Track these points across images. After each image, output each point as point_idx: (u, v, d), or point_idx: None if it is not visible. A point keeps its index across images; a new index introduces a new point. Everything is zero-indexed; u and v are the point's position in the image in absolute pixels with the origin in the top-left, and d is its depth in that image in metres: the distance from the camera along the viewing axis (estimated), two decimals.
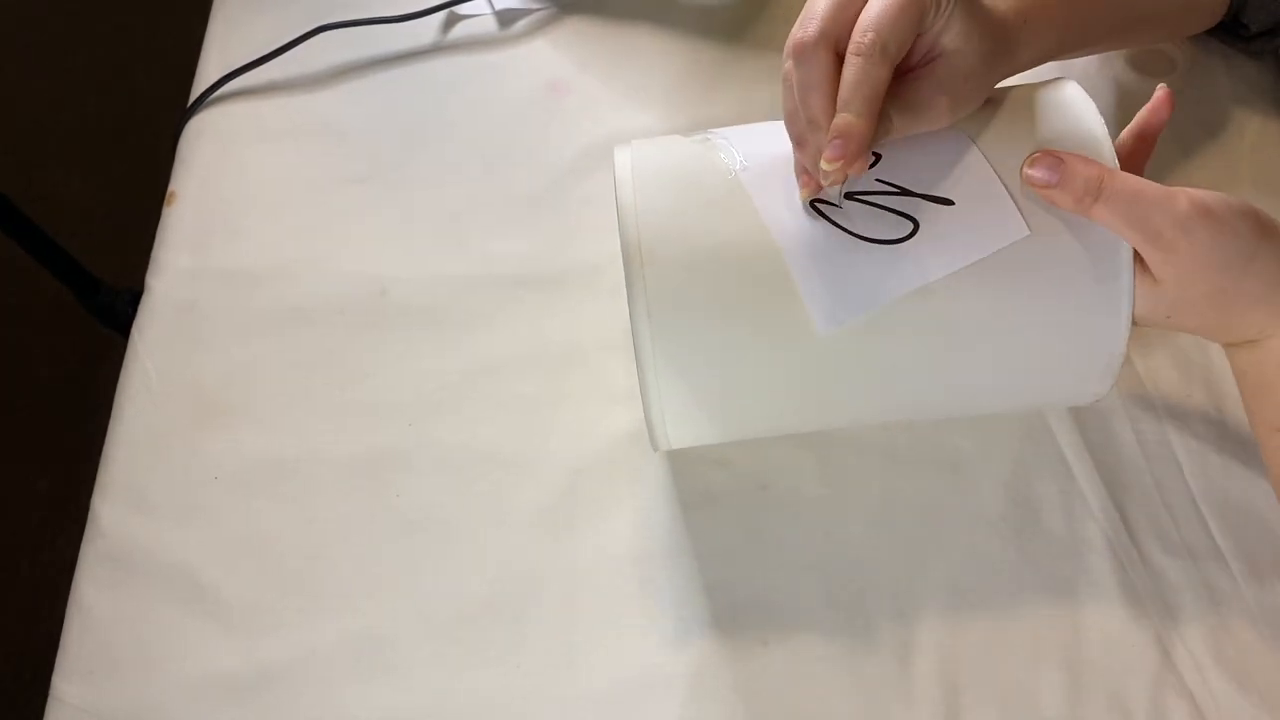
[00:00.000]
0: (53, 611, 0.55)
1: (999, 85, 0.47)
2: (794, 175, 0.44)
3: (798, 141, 0.43)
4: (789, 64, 0.42)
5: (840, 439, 0.56)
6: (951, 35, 0.42)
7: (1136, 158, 0.48)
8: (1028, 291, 0.44)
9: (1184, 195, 0.41)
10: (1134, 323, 0.44)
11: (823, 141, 0.41)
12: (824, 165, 0.41)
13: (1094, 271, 0.43)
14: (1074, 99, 0.45)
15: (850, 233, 0.43)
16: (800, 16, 0.42)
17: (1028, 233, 0.43)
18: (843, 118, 0.40)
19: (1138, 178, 0.42)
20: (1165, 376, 0.57)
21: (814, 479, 0.55)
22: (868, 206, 0.44)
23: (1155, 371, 0.57)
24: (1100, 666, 0.50)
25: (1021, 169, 0.43)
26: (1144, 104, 0.50)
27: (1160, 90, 0.48)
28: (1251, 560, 0.52)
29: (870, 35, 0.40)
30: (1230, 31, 0.62)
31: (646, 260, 0.44)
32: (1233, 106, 0.64)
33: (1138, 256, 0.43)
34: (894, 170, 0.44)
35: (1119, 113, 0.64)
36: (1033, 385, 0.48)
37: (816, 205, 0.44)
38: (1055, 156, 0.42)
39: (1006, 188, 0.43)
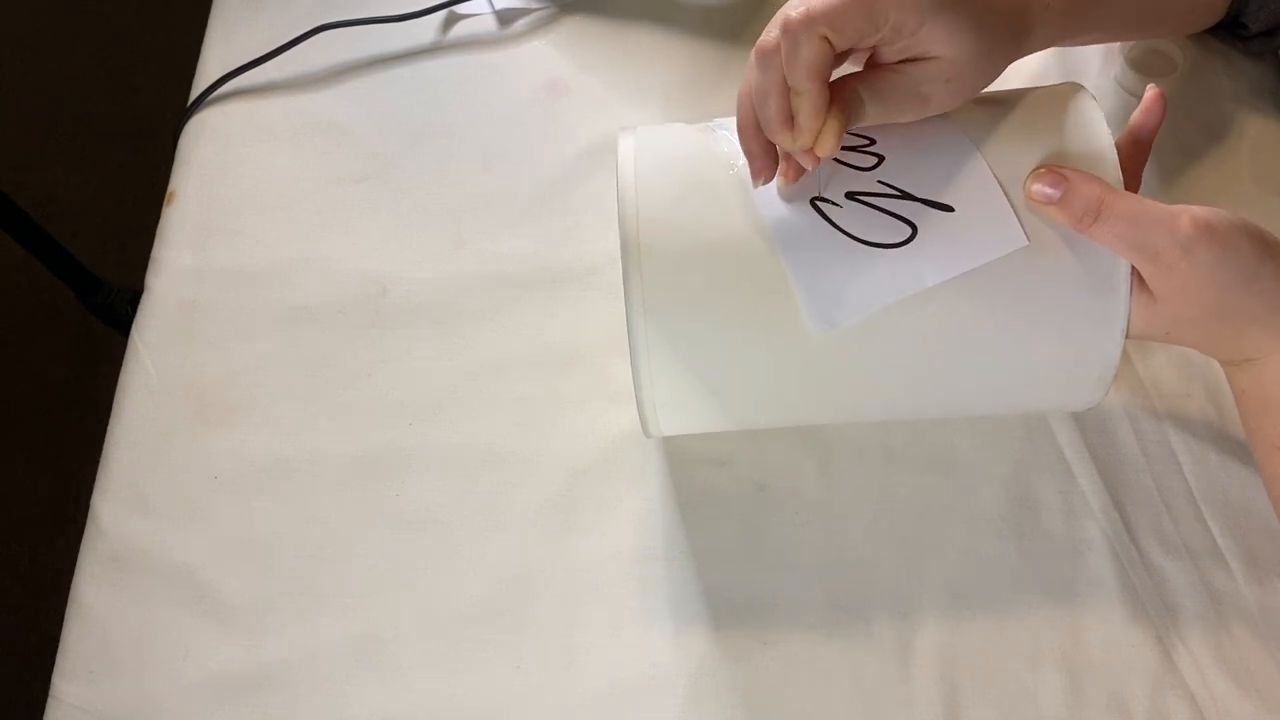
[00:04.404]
0: (53, 611, 0.55)
1: (1010, 86, 0.47)
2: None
3: (751, 151, 0.44)
4: (751, 67, 0.42)
5: (840, 439, 0.56)
6: (933, 42, 0.41)
7: (1132, 162, 0.47)
8: (1023, 301, 0.43)
9: (1186, 215, 0.41)
10: (1132, 336, 0.44)
11: (784, 140, 0.42)
12: (794, 148, 0.42)
13: (1091, 285, 0.43)
14: (1084, 110, 0.45)
15: (848, 235, 0.43)
16: (771, 22, 0.42)
17: (1026, 242, 0.43)
18: (794, 102, 0.41)
19: (1139, 197, 0.42)
20: (1165, 377, 0.57)
21: (814, 479, 0.55)
22: (868, 208, 0.44)
23: (1155, 372, 0.57)
24: (1100, 667, 0.50)
25: (1025, 182, 0.43)
26: None
27: (1150, 91, 0.48)
28: (1251, 560, 0.52)
29: (799, 9, 0.40)
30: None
31: (644, 247, 0.44)
32: (1233, 106, 0.64)
33: (1137, 272, 0.43)
34: (896, 173, 0.44)
35: (1120, 113, 0.64)
36: (1025, 393, 0.48)
37: (816, 204, 0.44)
38: (1058, 174, 0.42)
39: (1008, 197, 0.43)
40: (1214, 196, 0.61)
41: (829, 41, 0.40)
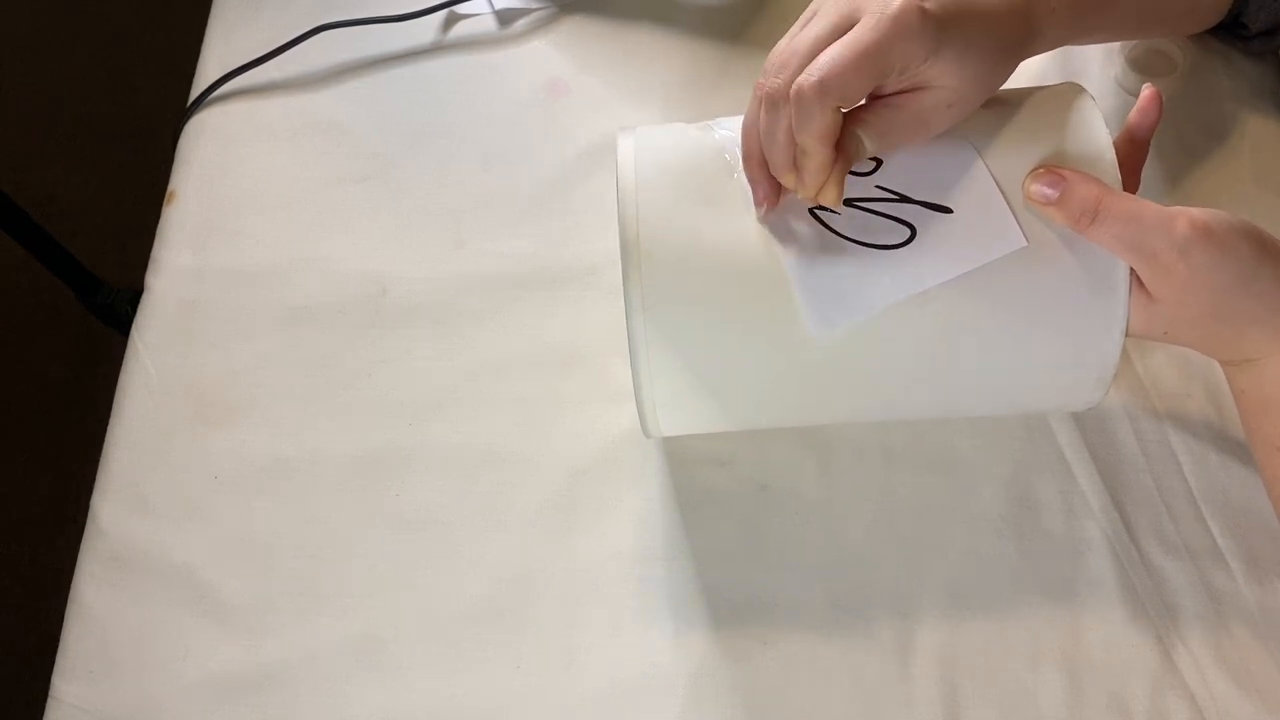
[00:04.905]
0: (53, 611, 0.55)
1: (1012, 86, 0.47)
2: None
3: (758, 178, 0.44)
4: (756, 102, 0.43)
5: (840, 440, 0.56)
6: (936, 74, 0.41)
7: (1130, 161, 0.47)
8: (1022, 302, 0.43)
9: (1183, 217, 0.41)
10: (1131, 336, 0.44)
11: (789, 182, 0.43)
12: (799, 196, 0.43)
13: (1090, 286, 0.43)
14: (1082, 110, 0.45)
15: (847, 238, 0.43)
16: (777, 59, 0.42)
17: (1025, 243, 0.43)
18: (800, 158, 0.42)
19: (1136, 198, 0.42)
20: (1165, 376, 0.57)
21: (814, 479, 0.55)
22: (866, 214, 0.44)
23: (1155, 372, 0.57)
24: (1100, 667, 0.50)
25: (1023, 183, 0.43)
26: None
27: (1147, 90, 0.48)
28: (1251, 560, 0.52)
29: (812, 79, 0.40)
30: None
31: (643, 249, 0.44)
32: (1233, 106, 0.64)
33: (1135, 273, 0.43)
34: (894, 177, 0.44)
35: (1120, 113, 0.64)
36: (1025, 393, 0.48)
37: (815, 213, 0.44)
38: (1056, 174, 0.42)
39: (1006, 198, 0.43)
40: (1215, 197, 0.61)
41: (840, 109, 0.41)
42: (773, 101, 0.41)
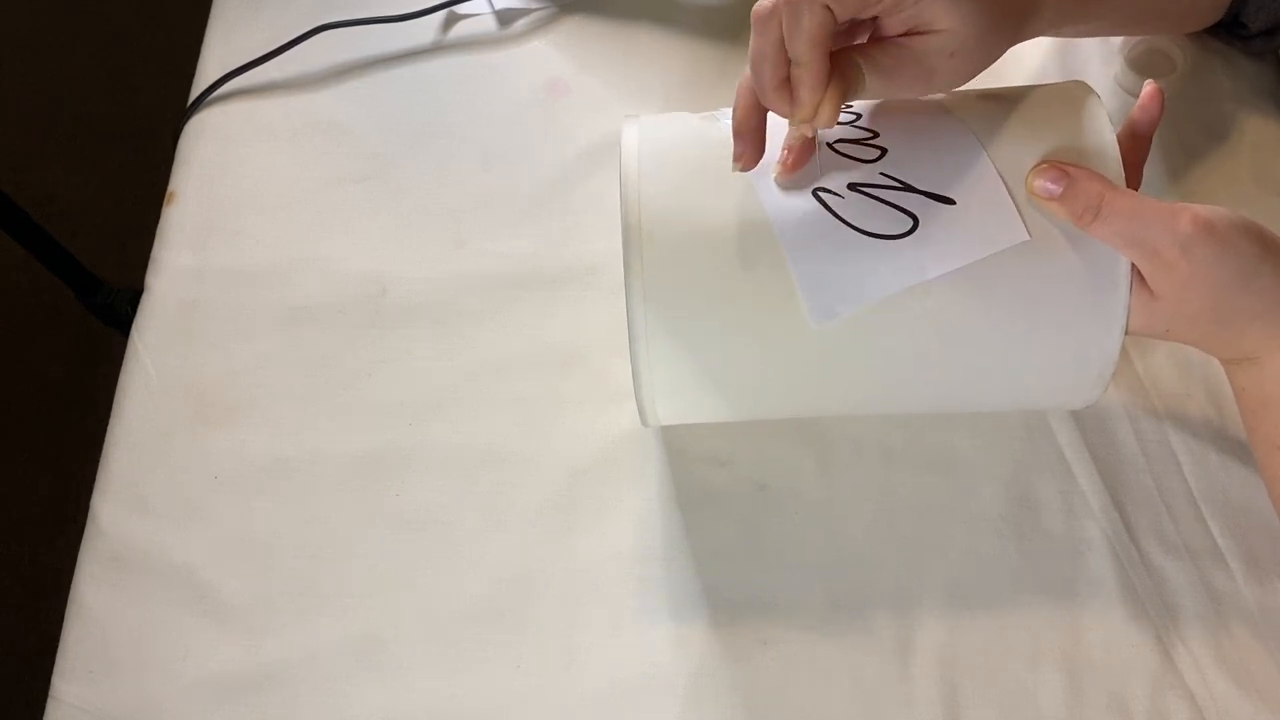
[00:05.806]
0: (53, 611, 0.55)
1: (1014, 84, 0.47)
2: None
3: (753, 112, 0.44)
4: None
5: (840, 439, 0.56)
6: (936, 13, 0.41)
7: (1131, 158, 0.47)
8: (1023, 297, 0.43)
9: (1186, 213, 0.41)
10: (1131, 333, 0.44)
11: (780, 106, 0.42)
12: (790, 124, 0.42)
13: (1091, 282, 0.43)
14: (1087, 107, 0.45)
15: (850, 225, 0.43)
16: None
17: (1027, 237, 0.43)
18: (794, 72, 0.41)
19: (1139, 195, 0.42)
20: (1165, 376, 0.57)
21: (814, 479, 0.55)
22: (870, 200, 0.44)
23: (1155, 371, 0.57)
24: (1100, 666, 0.50)
25: (1027, 177, 0.43)
26: None
27: (1148, 86, 0.48)
28: (1251, 560, 0.52)
29: None
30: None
31: (645, 234, 0.44)
32: (1233, 106, 0.64)
33: (1137, 270, 0.43)
34: (899, 166, 0.44)
35: (1120, 114, 0.64)
36: (1024, 389, 0.48)
37: (818, 194, 0.44)
38: (1060, 169, 0.42)
39: (1010, 192, 0.43)
40: (1214, 196, 0.61)
41: (830, 10, 0.40)
42: (761, 19, 0.41)
